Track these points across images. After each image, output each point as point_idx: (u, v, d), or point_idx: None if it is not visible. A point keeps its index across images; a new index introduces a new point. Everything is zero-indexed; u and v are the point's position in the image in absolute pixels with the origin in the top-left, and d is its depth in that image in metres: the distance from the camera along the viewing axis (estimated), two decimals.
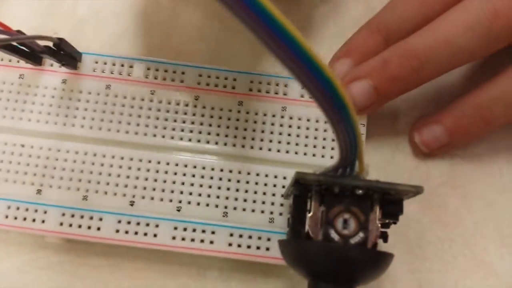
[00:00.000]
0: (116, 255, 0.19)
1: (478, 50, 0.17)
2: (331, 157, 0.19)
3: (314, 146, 0.19)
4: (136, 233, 0.18)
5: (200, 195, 0.18)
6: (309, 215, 0.14)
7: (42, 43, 0.17)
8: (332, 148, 0.19)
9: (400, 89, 0.18)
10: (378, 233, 0.14)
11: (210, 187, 0.18)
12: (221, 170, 0.18)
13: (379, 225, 0.14)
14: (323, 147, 0.19)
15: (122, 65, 0.19)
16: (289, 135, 0.19)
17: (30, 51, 0.18)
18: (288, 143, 0.19)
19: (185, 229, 0.18)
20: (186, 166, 0.18)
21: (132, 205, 0.18)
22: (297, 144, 0.19)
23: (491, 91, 0.18)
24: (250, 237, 0.18)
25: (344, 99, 0.11)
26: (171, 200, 0.18)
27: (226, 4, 0.09)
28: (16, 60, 0.19)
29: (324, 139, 0.19)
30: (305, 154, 0.19)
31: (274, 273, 0.19)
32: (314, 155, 0.19)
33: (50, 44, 0.17)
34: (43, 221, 0.18)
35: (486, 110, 0.18)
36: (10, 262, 0.19)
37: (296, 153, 0.19)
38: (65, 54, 0.18)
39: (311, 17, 0.22)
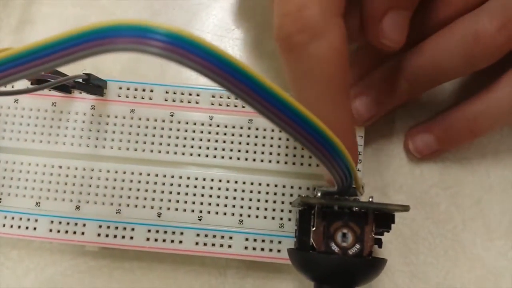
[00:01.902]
0: (147, 258, 0.21)
1: (461, 70, 0.19)
2: None
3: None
4: (164, 240, 0.20)
5: (218, 205, 0.21)
6: (313, 229, 0.16)
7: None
8: None
9: (396, 102, 0.20)
10: (373, 243, 0.16)
11: (226, 197, 0.21)
12: (235, 182, 0.21)
13: (373, 235, 0.16)
14: None
15: (144, 90, 0.22)
16: (294, 148, 0.21)
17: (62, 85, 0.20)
18: (294, 155, 0.21)
19: (206, 236, 0.20)
20: (204, 179, 0.21)
21: (159, 216, 0.20)
22: (302, 157, 0.21)
23: (477, 105, 0.20)
24: (263, 241, 0.20)
25: (340, 147, 0.13)
26: (193, 211, 0.21)
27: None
28: (48, 89, 0.22)
29: None
30: (309, 165, 0.21)
31: (285, 270, 0.21)
32: (318, 165, 0.21)
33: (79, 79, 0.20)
34: (82, 233, 0.20)
35: (472, 122, 0.20)
36: (54, 268, 0.22)
37: (301, 164, 0.21)
38: (93, 85, 0.20)
39: None
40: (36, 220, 0.21)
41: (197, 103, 0.22)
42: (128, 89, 0.22)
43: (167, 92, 0.22)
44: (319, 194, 0.16)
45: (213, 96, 0.22)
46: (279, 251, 0.20)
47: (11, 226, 0.21)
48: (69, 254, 0.22)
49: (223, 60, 0.11)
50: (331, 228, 0.16)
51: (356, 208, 0.16)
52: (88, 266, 0.22)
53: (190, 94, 0.22)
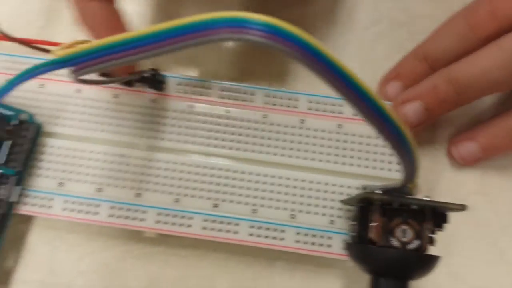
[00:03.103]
0: (201, 247, 0.22)
1: (509, 84, 0.20)
2: (380, 168, 0.22)
3: (366, 159, 0.22)
4: (219, 230, 0.21)
5: (271, 199, 0.22)
6: (373, 224, 0.17)
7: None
8: (374, 160, 0.22)
9: (446, 109, 0.21)
10: (429, 240, 0.17)
11: (279, 193, 0.22)
12: (288, 179, 0.22)
13: (430, 233, 0.17)
14: (374, 160, 0.22)
15: (201, 87, 0.23)
16: (344, 149, 0.22)
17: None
18: (344, 156, 0.22)
19: (259, 228, 0.21)
20: (258, 174, 0.22)
21: (215, 206, 0.22)
22: (351, 157, 0.22)
23: None
24: (314, 235, 0.21)
25: (408, 138, 0.14)
26: (246, 203, 0.22)
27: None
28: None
29: (375, 153, 0.22)
30: (358, 165, 0.22)
31: (332, 264, 0.22)
32: (366, 166, 0.22)
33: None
34: (142, 220, 0.21)
35: None
36: (109, 253, 0.23)
37: (351, 164, 0.22)
38: (156, 80, 0.22)
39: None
40: (97, 206, 0.21)
41: (251, 101, 0.23)
42: (186, 85, 0.23)
43: (223, 90, 0.23)
44: (380, 192, 0.17)
45: (266, 96, 0.23)
46: (329, 246, 0.21)
47: (72, 210, 0.21)
48: (123, 240, 0.23)
49: (307, 45, 0.12)
50: (391, 224, 0.17)
51: (415, 206, 0.17)
52: (142, 252, 0.23)
53: (245, 93, 0.23)
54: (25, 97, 0.22)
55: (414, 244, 0.17)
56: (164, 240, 0.22)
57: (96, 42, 0.14)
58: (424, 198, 0.17)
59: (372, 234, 0.17)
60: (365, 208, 0.18)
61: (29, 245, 0.23)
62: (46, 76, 0.22)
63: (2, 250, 0.21)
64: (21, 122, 0.21)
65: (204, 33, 0.12)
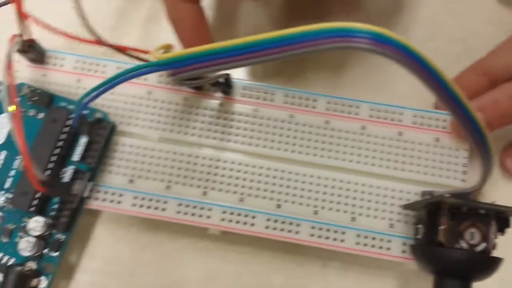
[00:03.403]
0: (257, 245, 0.23)
1: None
2: (439, 175, 0.23)
3: (425, 166, 0.23)
4: (282, 230, 0.22)
5: (332, 202, 0.22)
6: (442, 227, 0.18)
7: None
8: (433, 167, 0.23)
9: (504, 123, 0.22)
10: (494, 243, 0.18)
11: (340, 196, 0.23)
12: (348, 182, 0.23)
13: (494, 236, 0.18)
14: (433, 167, 0.23)
15: (266, 92, 0.24)
16: (404, 156, 0.23)
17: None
18: (403, 162, 0.23)
19: (320, 229, 0.22)
20: (319, 177, 0.23)
21: (279, 207, 0.22)
22: (411, 164, 0.23)
23: None
24: (373, 238, 0.22)
25: (489, 143, 0.15)
26: (308, 205, 0.22)
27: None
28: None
29: (434, 160, 0.23)
30: (417, 172, 0.23)
31: (386, 266, 0.23)
32: (425, 173, 0.23)
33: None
34: (208, 217, 0.22)
35: None
36: (172, 244, 0.24)
37: (410, 171, 0.23)
38: (227, 85, 0.23)
39: None
40: (165, 202, 0.22)
41: (313, 107, 0.24)
42: (251, 90, 0.24)
43: (287, 96, 0.24)
44: (449, 196, 0.18)
45: (328, 103, 0.24)
46: (388, 249, 0.22)
47: (141, 206, 0.23)
48: (186, 234, 0.24)
49: (409, 50, 0.13)
50: (460, 226, 0.18)
51: (483, 211, 0.18)
52: (202, 247, 0.24)
53: (308, 99, 0.24)
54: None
55: (481, 247, 0.18)
56: (224, 237, 0.23)
57: (200, 47, 0.15)
58: (491, 203, 0.18)
59: (441, 237, 0.18)
60: (433, 212, 0.19)
61: (93, 235, 0.24)
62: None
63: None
64: (97, 120, 0.22)
65: (311, 43, 0.13)
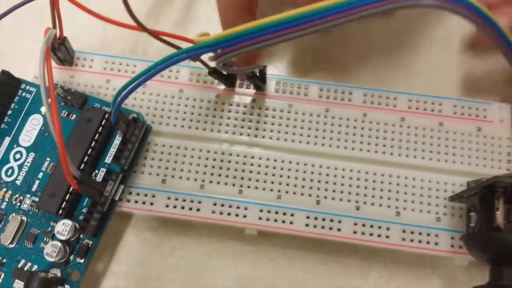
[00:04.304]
0: (291, 250, 0.22)
1: None
2: (483, 165, 0.22)
3: (469, 157, 0.22)
4: (322, 227, 0.21)
5: (373, 196, 0.21)
6: (499, 212, 0.17)
7: None
8: (477, 157, 0.22)
9: None
10: None
11: (381, 190, 0.22)
12: (390, 176, 0.22)
13: None
14: (476, 157, 0.22)
15: (300, 87, 0.23)
16: (446, 146, 0.22)
17: (228, 76, 0.22)
18: (446, 153, 0.22)
19: (363, 225, 0.21)
20: (359, 171, 0.22)
21: (318, 203, 0.21)
22: (454, 155, 0.22)
23: None
24: (420, 233, 0.21)
25: None
26: (349, 200, 0.21)
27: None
28: (211, 82, 0.23)
29: (477, 150, 0.22)
30: (461, 163, 0.22)
31: (433, 264, 0.22)
32: (469, 164, 0.22)
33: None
34: (244, 216, 0.21)
35: None
36: (201, 249, 0.23)
37: (453, 162, 0.22)
38: (262, 78, 0.22)
39: None
40: (200, 202, 0.22)
41: (349, 100, 0.23)
42: (285, 85, 0.23)
43: (321, 90, 0.23)
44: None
45: (365, 95, 0.23)
46: (436, 243, 0.21)
47: (175, 207, 0.22)
48: (217, 237, 0.23)
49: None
50: None
51: None
52: (234, 251, 0.23)
53: (343, 92, 0.23)
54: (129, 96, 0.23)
55: None
56: (257, 241, 0.22)
57: (245, 25, 0.14)
58: None
59: (499, 220, 0.17)
60: (486, 196, 0.18)
61: (121, 239, 0.23)
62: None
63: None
64: (133, 120, 0.21)
65: (377, 3, 0.12)
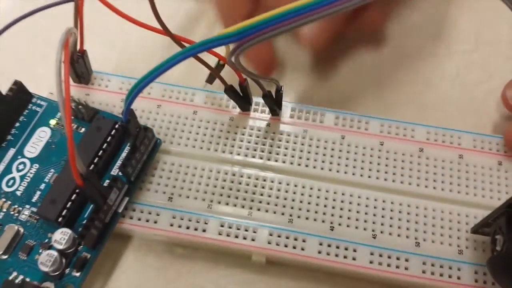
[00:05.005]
0: (304, 280, 0.21)
1: None
2: (498, 199, 0.21)
3: (490, 190, 0.21)
4: (336, 255, 0.20)
5: (391, 226, 0.20)
6: None
7: None
8: (499, 191, 0.21)
9: None
10: None
11: (399, 220, 0.20)
12: (408, 206, 0.21)
13: None
14: (498, 191, 0.21)
15: (315, 114, 0.23)
16: (466, 179, 0.21)
17: (244, 97, 0.22)
18: (467, 186, 0.21)
19: (380, 255, 0.20)
20: (376, 200, 0.21)
21: (332, 229, 0.20)
22: (474, 188, 0.21)
23: None
24: (441, 266, 0.19)
25: None
26: (365, 229, 0.20)
27: None
28: (225, 106, 0.23)
29: (498, 184, 0.21)
30: (483, 196, 0.21)
31: None
32: (491, 197, 0.21)
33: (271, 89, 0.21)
34: (253, 239, 0.20)
35: None
36: (207, 275, 0.21)
37: (474, 195, 0.21)
38: (277, 101, 0.22)
39: None
40: (206, 222, 0.20)
41: (366, 129, 0.22)
42: (300, 111, 0.23)
43: (337, 118, 0.23)
44: None
45: (382, 125, 0.22)
46: (459, 278, 0.19)
47: (179, 226, 0.20)
48: (224, 263, 0.21)
49: None
50: None
51: None
52: (243, 279, 0.21)
53: (360, 121, 0.23)
54: (142, 115, 0.23)
55: None
56: (266, 269, 0.21)
57: (267, 13, 0.14)
58: None
59: None
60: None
61: (120, 262, 0.21)
62: (162, 97, 0.23)
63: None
64: (144, 129, 0.21)
65: None
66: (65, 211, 0.19)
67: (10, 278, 0.19)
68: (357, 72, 0.26)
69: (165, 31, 0.18)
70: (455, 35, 0.27)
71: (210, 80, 0.23)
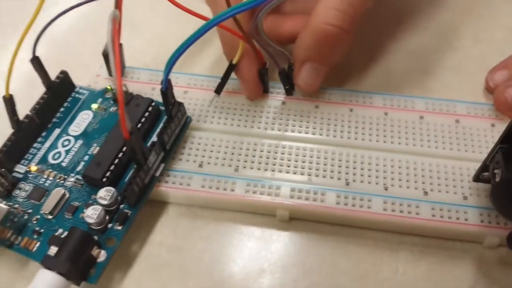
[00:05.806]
0: (322, 231, 0.23)
1: None
2: None
3: (486, 148, 0.23)
4: (353, 205, 0.22)
5: (400, 180, 0.22)
6: None
7: None
8: (487, 147, 0.23)
9: None
10: None
11: (407, 174, 0.23)
12: (414, 163, 0.23)
13: None
14: (486, 148, 0.23)
15: (324, 93, 0.26)
16: (464, 140, 0.24)
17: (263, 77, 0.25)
18: (465, 145, 0.24)
19: (393, 203, 0.22)
20: (384, 159, 0.23)
21: (347, 184, 0.22)
22: (472, 146, 0.23)
23: None
24: (449, 210, 0.21)
25: None
26: (377, 183, 0.22)
27: None
28: (239, 89, 0.26)
29: (493, 143, 0.23)
30: (480, 153, 0.23)
31: (459, 256, 0.22)
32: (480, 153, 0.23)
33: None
34: (277, 195, 0.22)
35: None
36: (234, 223, 0.23)
37: (473, 152, 0.23)
38: (288, 78, 0.25)
39: None
40: (234, 183, 0.23)
41: (371, 103, 0.25)
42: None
43: (344, 95, 0.26)
44: None
45: (384, 99, 0.25)
46: (466, 219, 0.21)
47: (210, 187, 0.23)
48: (252, 223, 0.23)
49: None
50: None
51: None
52: (268, 233, 0.23)
53: (364, 97, 0.25)
54: None
55: None
56: (291, 225, 0.23)
57: None
58: None
59: None
60: (508, 149, 0.19)
61: (156, 223, 0.23)
62: (188, 85, 0.26)
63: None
64: (178, 104, 0.23)
65: None
66: (108, 172, 0.22)
67: (56, 234, 0.21)
68: (365, 65, 0.28)
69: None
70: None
71: (218, 90, 0.25)
